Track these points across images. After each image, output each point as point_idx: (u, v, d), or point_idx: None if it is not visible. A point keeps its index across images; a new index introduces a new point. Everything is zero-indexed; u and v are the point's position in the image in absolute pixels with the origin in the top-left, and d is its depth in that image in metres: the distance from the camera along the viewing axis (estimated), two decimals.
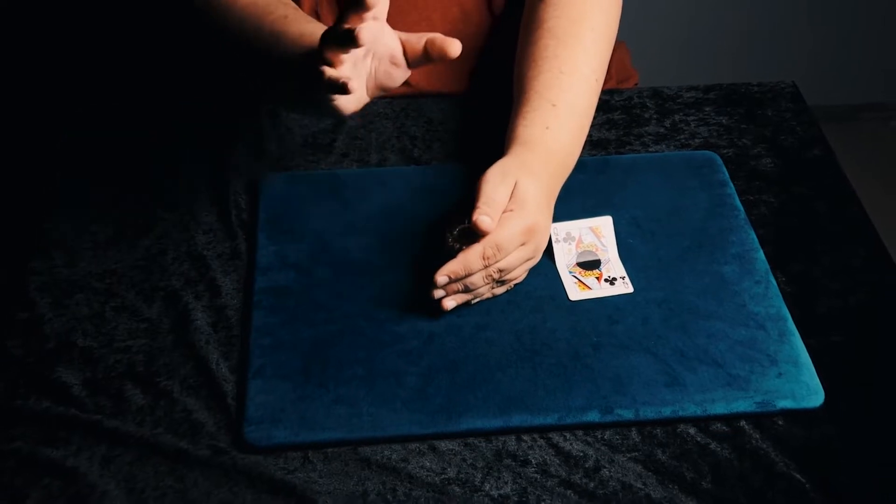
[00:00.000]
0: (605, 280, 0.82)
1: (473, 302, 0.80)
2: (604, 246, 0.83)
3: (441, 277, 0.75)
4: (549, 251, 0.83)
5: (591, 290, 0.81)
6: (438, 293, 0.77)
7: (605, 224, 0.84)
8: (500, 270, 0.77)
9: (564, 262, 0.83)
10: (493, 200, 0.77)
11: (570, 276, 0.82)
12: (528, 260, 0.81)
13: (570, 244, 0.83)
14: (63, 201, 0.91)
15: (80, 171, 0.93)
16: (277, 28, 0.81)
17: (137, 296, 0.82)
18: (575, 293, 0.81)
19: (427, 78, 1.04)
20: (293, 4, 0.87)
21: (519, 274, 0.81)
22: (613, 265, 0.83)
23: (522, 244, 0.78)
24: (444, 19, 1.00)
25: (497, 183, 0.78)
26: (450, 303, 0.77)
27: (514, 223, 0.77)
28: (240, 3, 0.86)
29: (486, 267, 0.76)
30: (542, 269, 0.82)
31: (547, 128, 0.86)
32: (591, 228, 0.84)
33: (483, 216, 0.75)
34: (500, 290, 0.81)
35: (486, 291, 0.79)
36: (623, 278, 0.82)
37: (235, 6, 0.86)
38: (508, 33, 1.03)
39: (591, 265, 0.83)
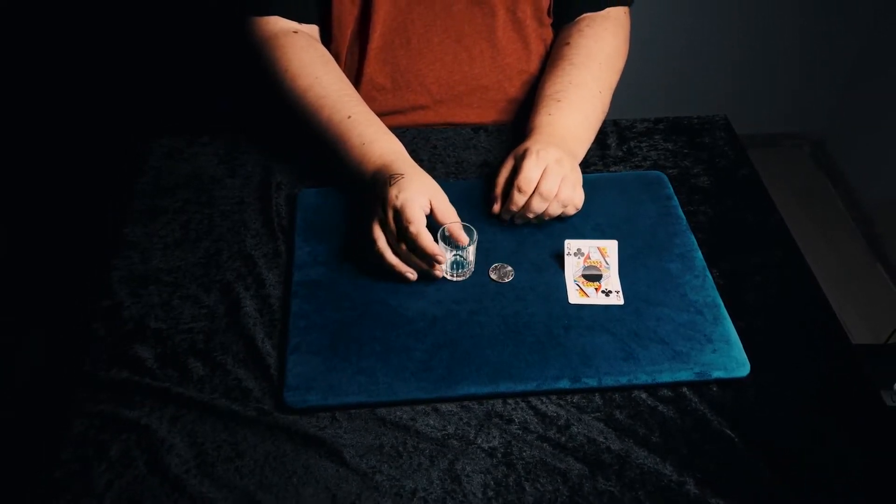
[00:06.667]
0: (602, 291, 0.79)
1: (537, 218, 0.85)
2: (607, 264, 0.81)
3: (500, 210, 0.84)
4: (559, 260, 0.82)
5: (588, 298, 0.79)
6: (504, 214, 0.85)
7: (611, 246, 0.82)
8: (546, 191, 0.81)
9: (572, 272, 0.81)
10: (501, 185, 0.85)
11: (573, 283, 0.80)
12: (565, 179, 0.82)
13: (579, 258, 0.81)
14: (138, 211, 0.90)
15: (153, 187, 0.93)
16: (345, 147, 0.86)
17: (199, 287, 0.82)
18: (574, 297, 0.79)
19: (438, 110, 1.04)
20: (354, 98, 0.89)
21: (567, 193, 0.82)
22: (612, 280, 0.80)
23: (544, 168, 0.81)
24: (454, 60, 1.00)
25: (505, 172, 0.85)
26: (519, 221, 0.85)
27: (528, 161, 0.82)
28: (317, 115, 0.88)
29: (532, 195, 0.81)
30: (524, 267, 0.82)
31: (550, 114, 0.88)
32: (598, 248, 0.82)
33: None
34: (556, 206, 0.83)
35: (540, 208, 0.83)
36: (617, 292, 0.79)
37: (314, 120, 0.88)
38: (509, 72, 1.02)
39: (594, 278, 0.80)
